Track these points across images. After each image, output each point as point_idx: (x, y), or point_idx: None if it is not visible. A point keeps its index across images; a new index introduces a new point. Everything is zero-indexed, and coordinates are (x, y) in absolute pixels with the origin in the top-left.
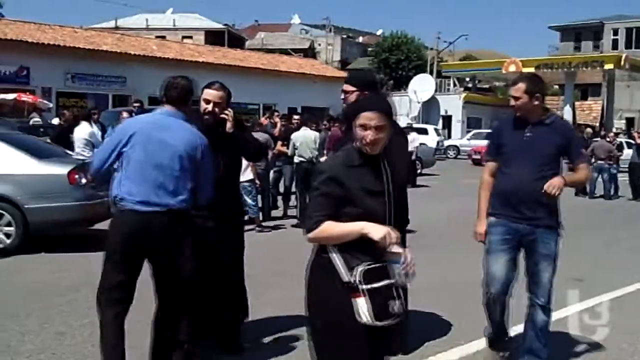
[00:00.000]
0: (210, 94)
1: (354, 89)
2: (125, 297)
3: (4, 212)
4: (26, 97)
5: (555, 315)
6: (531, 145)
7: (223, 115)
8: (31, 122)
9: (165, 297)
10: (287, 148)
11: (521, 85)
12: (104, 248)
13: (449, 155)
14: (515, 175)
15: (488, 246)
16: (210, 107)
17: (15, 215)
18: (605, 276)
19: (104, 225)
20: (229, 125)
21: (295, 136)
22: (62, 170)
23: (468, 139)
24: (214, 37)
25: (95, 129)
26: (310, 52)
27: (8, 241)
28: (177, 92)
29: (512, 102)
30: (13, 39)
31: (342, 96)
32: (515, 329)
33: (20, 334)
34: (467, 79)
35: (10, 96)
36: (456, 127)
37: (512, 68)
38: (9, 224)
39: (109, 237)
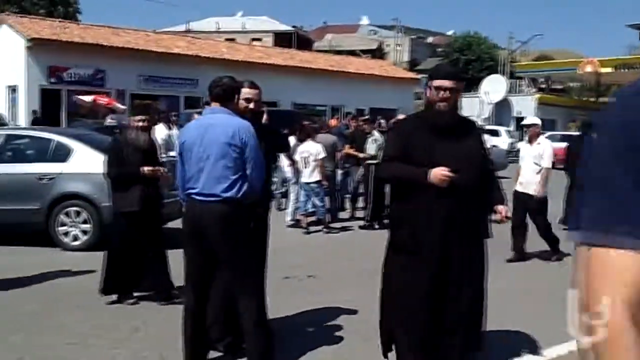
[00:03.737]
0: (250, 92)
1: (455, 85)
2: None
3: (81, 210)
4: (102, 100)
5: None
6: None
7: (263, 109)
8: (105, 123)
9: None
10: (356, 150)
11: None
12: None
13: None
14: None
15: None
16: (252, 105)
17: (92, 213)
18: None
19: (175, 224)
20: (265, 117)
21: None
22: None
23: None
24: (282, 39)
25: (175, 131)
26: (378, 53)
27: (84, 238)
28: (221, 89)
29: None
30: (90, 42)
31: (441, 94)
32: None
33: (95, 328)
34: (541, 80)
35: (88, 98)
36: None
37: (589, 68)
38: (85, 222)
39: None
